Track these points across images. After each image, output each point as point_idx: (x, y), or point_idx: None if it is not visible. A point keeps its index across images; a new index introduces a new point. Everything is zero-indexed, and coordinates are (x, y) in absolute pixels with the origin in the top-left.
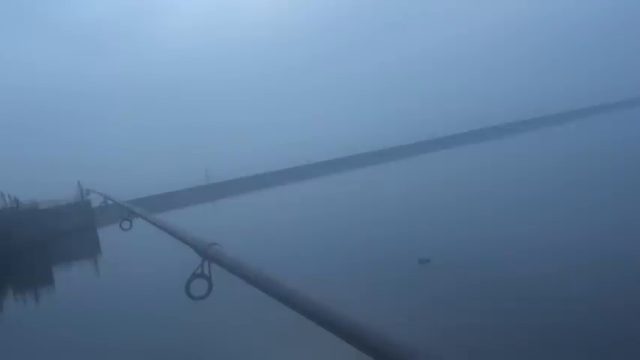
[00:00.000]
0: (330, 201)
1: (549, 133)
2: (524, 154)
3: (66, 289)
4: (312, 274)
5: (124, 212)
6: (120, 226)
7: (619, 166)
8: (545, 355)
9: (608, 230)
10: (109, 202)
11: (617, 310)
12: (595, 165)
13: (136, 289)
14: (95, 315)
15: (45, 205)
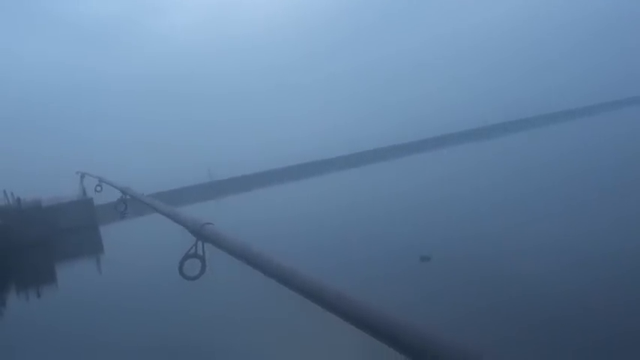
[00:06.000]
0: (332, 199)
1: (548, 131)
2: (523, 152)
3: (68, 285)
4: (313, 270)
5: (120, 194)
6: (115, 208)
7: (618, 163)
8: (545, 350)
9: (607, 226)
10: (104, 184)
11: (615, 305)
12: (593, 162)
13: (136, 278)
14: (96, 308)
15: (47, 202)
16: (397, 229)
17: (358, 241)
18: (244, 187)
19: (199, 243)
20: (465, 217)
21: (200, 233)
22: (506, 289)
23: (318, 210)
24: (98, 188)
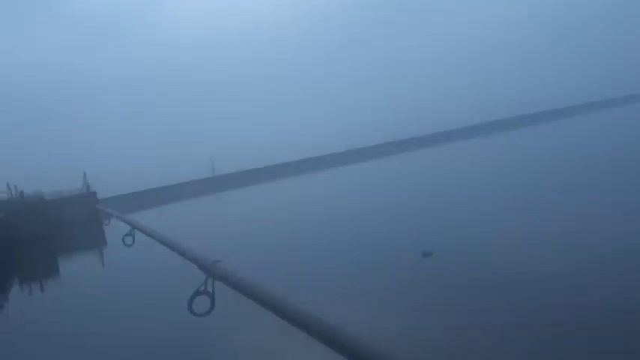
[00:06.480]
0: (335, 194)
1: (549, 128)
2: (524, 149)
3: (71, 279)
4: (321, 269)
5: (127, 228)
6: (122, 241)
7: (617, 160)
8: (546, 344)
9: (606, 223)
10: (113, 218)
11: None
12: (594, 160)
13: (139, 273)
14: (98, 302)
15: (50, 196)
16: (400, 225)
17: (363, 236)
18: (247, 182)
19: (209, 280)
20: (467, 214)
21: (210, 271)
22: (502, 281)
23: (324, 205)
24: (106, 223)
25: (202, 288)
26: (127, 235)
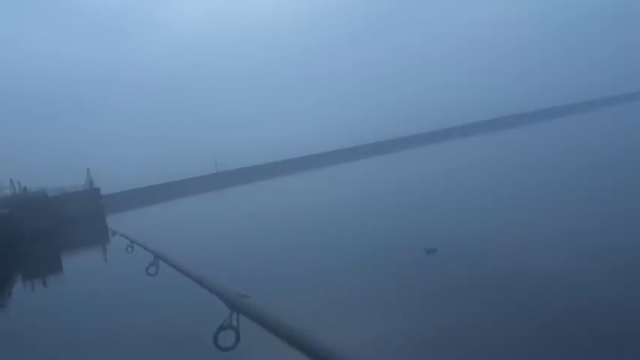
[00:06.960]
0: (337, 191)
1: (549, 126)
2: (524, 147)
3: (74, 275)
4: (323, 267)
5: (150, 257)
6: (146, 271)
7: (618, 158)
8: (549, 345)
9: (606, 221)
10: (135, 245)
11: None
12: (594, 158)
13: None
14: (101, 298)
15: (53, 192)
16: (403, 222)
17: (365, 233)
18: (250, 178)
19: (234, 315)
20: (470, 211)
21: (236, 305)
22: (506, 280)
23: (325, 202)
24: (129, 249)
25: (227, 322)
26: (150, 264)
